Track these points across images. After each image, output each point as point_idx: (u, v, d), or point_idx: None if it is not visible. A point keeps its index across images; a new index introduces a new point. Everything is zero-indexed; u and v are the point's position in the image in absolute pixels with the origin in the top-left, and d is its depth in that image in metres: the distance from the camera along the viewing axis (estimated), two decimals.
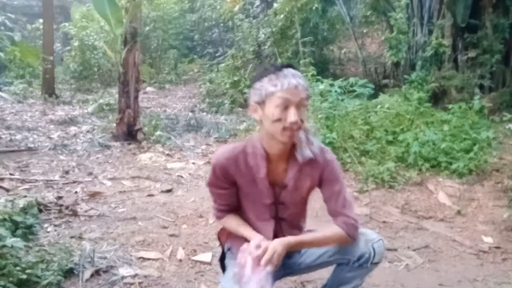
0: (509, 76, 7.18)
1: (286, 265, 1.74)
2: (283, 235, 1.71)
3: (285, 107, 1.46)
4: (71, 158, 4.98)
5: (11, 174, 4.19)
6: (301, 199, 1.68)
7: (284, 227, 1.72)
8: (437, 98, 6.84)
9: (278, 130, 1.48)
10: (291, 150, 1.60)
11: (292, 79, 1.47)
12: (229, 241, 1.81)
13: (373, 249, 1.63)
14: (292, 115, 1.46)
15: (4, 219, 2.63)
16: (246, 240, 1.62)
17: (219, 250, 1.92)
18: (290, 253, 1.74)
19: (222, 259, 1.85)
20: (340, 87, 5.17)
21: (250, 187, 1.63)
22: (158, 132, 6.01)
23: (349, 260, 1.66)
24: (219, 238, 1.89)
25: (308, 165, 1.61)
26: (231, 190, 1.66)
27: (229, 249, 1.80)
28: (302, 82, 1.50)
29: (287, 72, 1.49)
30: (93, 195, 3.72)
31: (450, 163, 4.23)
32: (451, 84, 6.85)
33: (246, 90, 8.51)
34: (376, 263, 1.67)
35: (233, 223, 1.71)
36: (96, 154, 5.20)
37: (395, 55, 6.86)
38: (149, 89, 11.50)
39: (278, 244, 1.52)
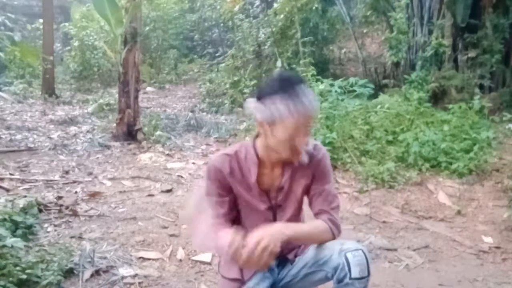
0: (509, 76, 7.19)
1: (277, 280, 1.69)
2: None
3: (297, 129, 1.42)
4: (71, 158, 4.98)
5: (11, 174, 4.20)
6: (297, 199, 1.64)
7: None
8: (437, 98, 6.84)
9: (286, 148, 1.45)
10: None
11: (306, 100, 1.40)
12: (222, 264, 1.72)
13: (346, 260, 1.43)
14: (303, 141, 1.44)
15: (4, 219, 2.63)
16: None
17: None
18: (283, 262, 1.68)
19: None
20: (340, 87, 5.17)
21: (245, 192, 1.60)
22: (158, 132, 6.01)
23: (327, 273, 1.51)
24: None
25: (302, 164, 1.59)
26: (229, 198, 1.60)
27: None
28: (314, 100, 1.43)
29: (299, 90, 1.40)
30: (93, 195, 3.72)
31: (450, 163, 4.23)
32: (451, 84, 6.85)
33: (246, 90, 8.53)
34: (359, 279, 1.43)
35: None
36: (96, 154, 5.20)
37: (395, 55, 6.86)
38: (149, 89, 11.49)
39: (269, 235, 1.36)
